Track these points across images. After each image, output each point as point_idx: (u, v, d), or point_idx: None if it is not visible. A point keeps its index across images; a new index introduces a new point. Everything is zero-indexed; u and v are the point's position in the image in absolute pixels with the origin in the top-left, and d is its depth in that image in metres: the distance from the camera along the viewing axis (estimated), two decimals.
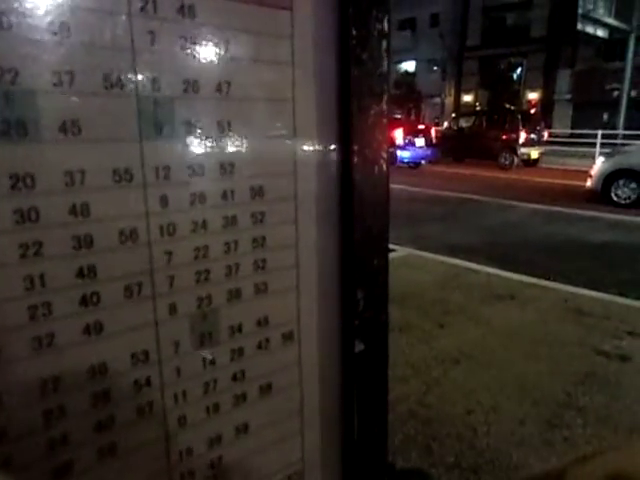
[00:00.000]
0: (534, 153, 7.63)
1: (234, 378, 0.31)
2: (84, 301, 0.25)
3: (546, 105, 12.94)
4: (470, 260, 2.65)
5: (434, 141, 8.00)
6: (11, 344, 0.23)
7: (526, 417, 1.28)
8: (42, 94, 0.22)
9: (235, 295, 0.30)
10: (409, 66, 16.34)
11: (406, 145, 7.44)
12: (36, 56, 0.22)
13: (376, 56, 0.34)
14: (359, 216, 0.34)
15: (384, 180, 0.35)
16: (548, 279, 2.36)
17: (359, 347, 0.36)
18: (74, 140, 0.23)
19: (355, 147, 0.33)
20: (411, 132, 7.60)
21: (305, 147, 0.32)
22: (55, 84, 0.23)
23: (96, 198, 0.25)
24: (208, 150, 0.28)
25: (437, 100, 15.58)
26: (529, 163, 7.58)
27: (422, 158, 7.67)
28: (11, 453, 0.24)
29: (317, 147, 0.33)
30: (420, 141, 7.62)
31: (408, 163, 7.43)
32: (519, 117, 7.77)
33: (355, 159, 0.33)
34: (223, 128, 0.28)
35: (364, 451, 0.38)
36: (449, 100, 15.31)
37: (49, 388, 0.24)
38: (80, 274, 0.25)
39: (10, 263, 0.22)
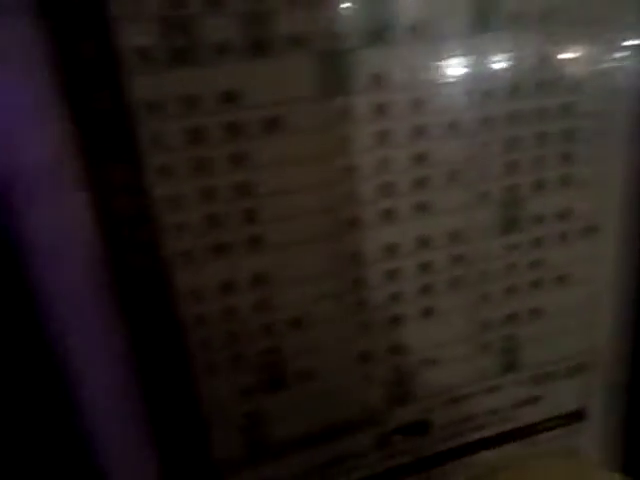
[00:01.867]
0: None
1: (532, 265, 0.33)
2: (419, 183, 0.29)
3: None
4: None
5: None
6: (364, 215, 0.29)
7: None
8: None
9: (541, 185, 0.32)
10: None
11: None
12: None
13: None
14: None
15: None
16: None
17: None
18: None
19: None
20: None
21: None
22: None
23: (431, 95, 0.28)
24: None
25: None
26: None
27: None
28: (358, 302, 0.30)
29: None
30: None
31: None
32: None
33: None
34: None
35: None
36: None
37: (388, 253, 0.30)
38: (415, 160, 0.29)
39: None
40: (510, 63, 0.29)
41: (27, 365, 0.24)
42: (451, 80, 0.28)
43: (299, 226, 0.27)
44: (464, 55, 0.28)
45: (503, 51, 0.29)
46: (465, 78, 0.28)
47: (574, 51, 0.30)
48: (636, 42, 0.31)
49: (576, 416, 0.38)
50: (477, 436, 0.36)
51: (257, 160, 0.26)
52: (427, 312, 0.32)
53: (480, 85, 0.29)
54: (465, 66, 0.28)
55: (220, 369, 0.28)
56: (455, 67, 0.28)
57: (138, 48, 0.22)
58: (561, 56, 0.29)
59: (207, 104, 0.24)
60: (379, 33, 0.26)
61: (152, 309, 0.26)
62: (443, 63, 0.28)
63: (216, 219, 0.26)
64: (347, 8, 0.25)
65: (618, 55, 0.30)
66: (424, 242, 0.30)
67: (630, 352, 0.38)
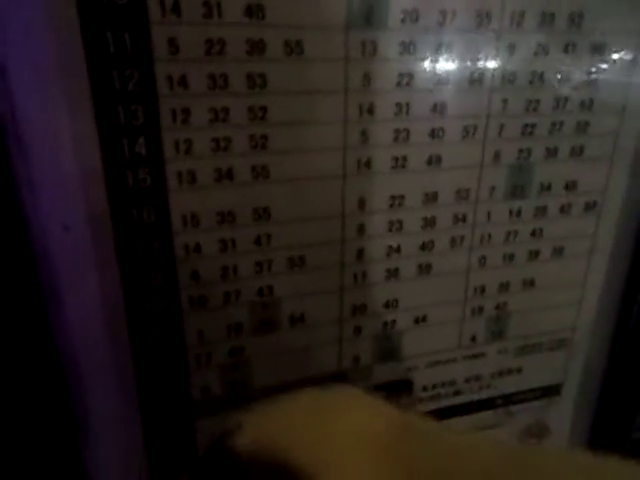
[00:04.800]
0: None
1: (533, 234, 0.33)
2: (435, 134, 0.28)
3: None
4: None
5: None
6: (375, 159, 0.27)
7: None
8: None
9: (552, 153, 0.31)
10: None
11: None
12: None
13: None
14: None
15: None
16: None
17: None
18: None
19: None
20: None
21: None
22: None
23: (457, 41, 0.27)
24: None
25: None
26: None
27: None
28: (358, 250, 0.29)
29: None
30: None
31: None
32: None
33: None
34: None
35: None
36: None
37: (395, 204, 0.29)
38: (434, 109, 0.28)
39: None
40: None
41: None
42: (479, 27, 0.27)
43: (308, 161, 0.26)
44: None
45: None
46: (492, 28, 0.27)
47: None
48: None
49: (553, 391, 0.38)
50: (456, 401, 0.36)
51: (273, 85, 0.24)
52: (424, 269, 0.31)
53: (505, 40, 0.28)
54: (497, 15, 0.27)
55: (210, 304, 0.27)
56: (490, 13, 0.27)
57: None
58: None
59: (227, 14, 0.22)
60: None
61: (146, 233, 0.24)
62: (474, 6, 0.27)
63: (223, 142, 0.24)
64: None
65: None
66: (431, 197, 0.30)
67: (611, 335, 0.38)
